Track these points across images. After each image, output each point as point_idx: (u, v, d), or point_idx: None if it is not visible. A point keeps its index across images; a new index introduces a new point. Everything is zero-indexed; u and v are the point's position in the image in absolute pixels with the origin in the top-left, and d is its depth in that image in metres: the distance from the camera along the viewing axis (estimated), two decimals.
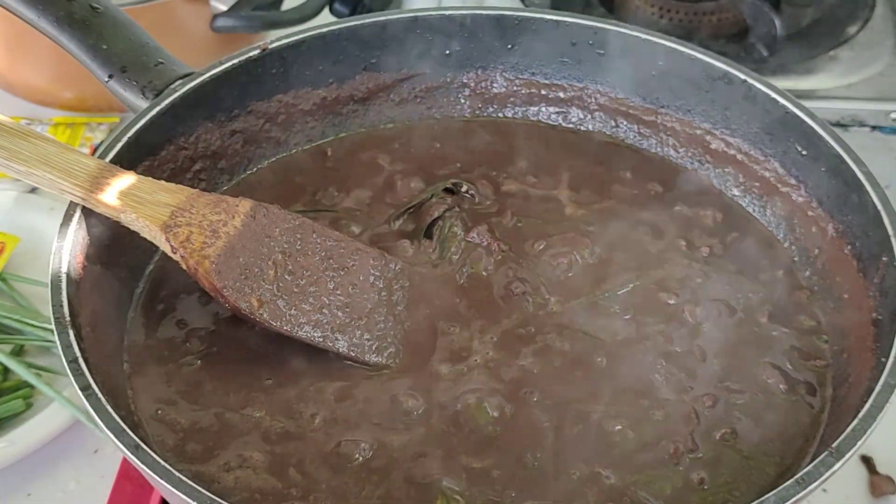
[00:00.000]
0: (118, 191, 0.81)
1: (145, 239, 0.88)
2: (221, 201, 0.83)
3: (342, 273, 0.85)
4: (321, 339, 0.83)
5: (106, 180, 0.81)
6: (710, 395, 0.81)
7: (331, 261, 0.85)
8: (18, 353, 1.04)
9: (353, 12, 1.27)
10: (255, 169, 1.01)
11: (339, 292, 0.85)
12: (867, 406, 0.71)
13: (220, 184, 0.99)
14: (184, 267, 0.80)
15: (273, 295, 0.81)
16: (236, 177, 1.00)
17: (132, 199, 0.81)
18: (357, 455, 0.77)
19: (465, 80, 1.06)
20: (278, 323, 0.81)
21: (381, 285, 0.87)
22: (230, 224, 0.82)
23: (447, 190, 0.97)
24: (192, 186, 0.96)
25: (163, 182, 0.83)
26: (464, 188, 0.97)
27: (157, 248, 0.92)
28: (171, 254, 0.80)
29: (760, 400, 0.81)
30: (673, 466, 0.77)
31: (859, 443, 0.69)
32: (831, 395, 0.82)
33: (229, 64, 0.96)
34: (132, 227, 0.81)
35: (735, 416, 0.80)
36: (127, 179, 0.82)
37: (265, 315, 0.81)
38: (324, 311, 0.83)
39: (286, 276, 0.83)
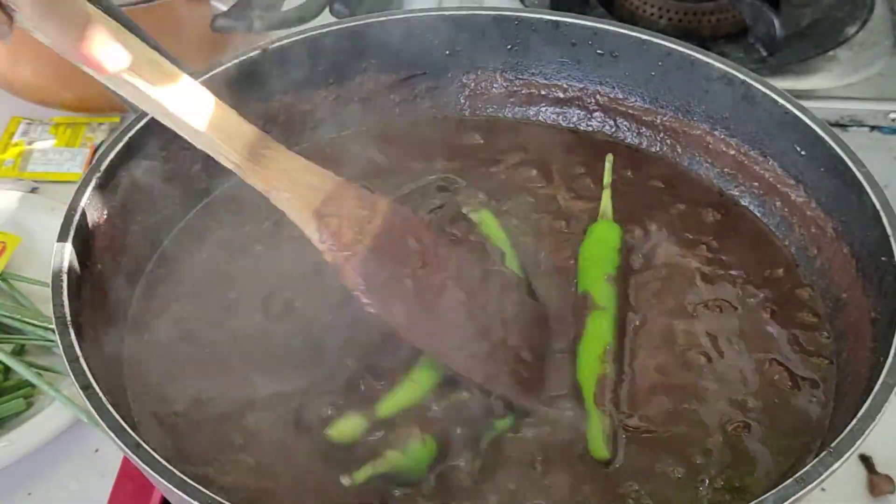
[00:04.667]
0: (273, 164, 0.76)
1: (146, 239, 0.89)
2: (365, 196, 0.79)
3: (473, 295, 0.81)
4: (457, 364, 0.77)
5: (261, 151, 0.75)
6: (711, 393, 0.81)
7: (462, 282, 0.81)
8: (19, 352, 1.04)
9: (354, 13, 1.27)
10: None
11: (472, 315, 0.80)
12: (866, 405, 0.71)
13: (219, 183, 0.99)
14: (327, 258, 0.76)
15: (412, 309, 0.77)
16: (235, 175, 1.00)
17: (286, 177, 0.76)
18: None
19: (464, 81, 1.06)
20: (414, 339, 0.77)
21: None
22: (374, 222, 0.78)
23: (440, 188, 0.97)
24: (193, 186, 0.97)
25: (311, 163, 0.78)
26: (457, 185, 0.97)
27: (156, 247, 0.92)
28: (317, 242, 0.76)
29: (762, 398, 0.82)
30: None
31: (858, 442, 0.69)
32: (833, 394, 0.82)
33: (230, 64, 0.96)
34: (280, 206, 0.76)
35: (737, 415, 0.81)
36: (281, 153, 0.77)
37: (406, 327, 0.77)
38: (460, 334, 0.78)
39: (425, 292, 0.78)
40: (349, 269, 0.75)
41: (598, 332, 0.83)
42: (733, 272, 0.91)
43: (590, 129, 1.05)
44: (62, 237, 0.81)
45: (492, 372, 0.79)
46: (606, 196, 0.95)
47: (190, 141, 0.75)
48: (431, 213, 0.93)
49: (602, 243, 0.90)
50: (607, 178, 0.96)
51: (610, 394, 0.80)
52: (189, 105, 0.73)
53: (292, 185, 0.76)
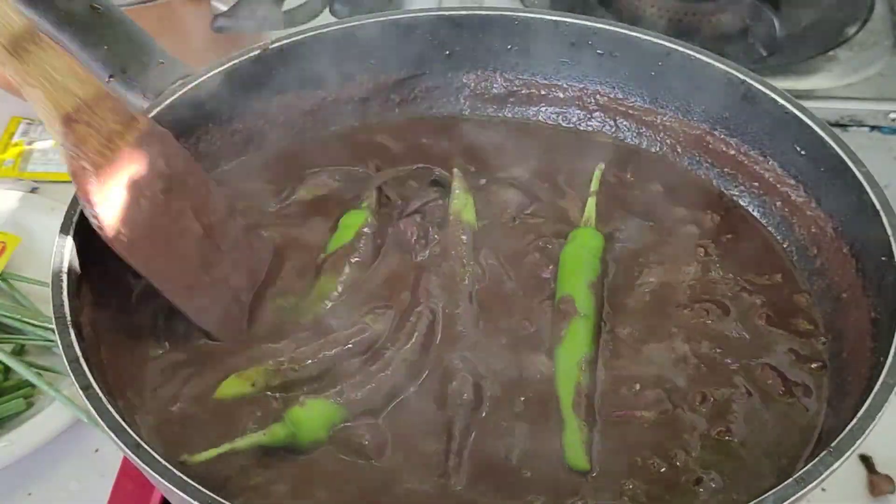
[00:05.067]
0: (34, 60, 0.75)
1: None
2: (124, 110, 0.79)
3: (210, 231, 0.83)
4: (169, 293, 0.81)
5: (27, 45, 0.74)
6: (706, 394, 0.81)
7: (204, 216, 0.83)
8: (19, 352, 1.04)
9: (354, 13, 1.27)
10: (252, 166, 1.01)
11: (202, 249, 0.82)
12: (866, 405, 0.71)
13: (218, 182, 0.98)
14: (65, 162, 0.76)
15: (140, 229, 0.79)
16: (233, 173, 1.00)
17: (44, 76, 0.75)
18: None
19: (464, 81, 1.06)
20: (133, 260, 0.79)
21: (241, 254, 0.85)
22: (126, 137, 0.78)
23: (434, 182, 0.98)
24: None
25: (75, 64, 0.78)
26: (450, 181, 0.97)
27: None
28: (59, 144, 0.76)
29: (756, 401, 0.82)
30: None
31: (858, 442, 0.69)
32: (828, 396, 0.82)
33: (229, 64, 0.96)
34: (31, 103, 0.76)
35: (730, 417, 0.80)
36: (48, 51, 0.76)
37: (126, 247, 0.78)
38: (183, 264, 0.81)
39: (160, 216, 0.80)
40: (85, 181, 0.76)
41: (578, 340, 0.83)
42: (730, 276, 0.91)
43: (590, 129, 1.05)
44: (62, 236, 0.81)
45: (202, 305, 0.82)
46: (591, 203, 0.95)
47: None
48: (424, 207, 0.95)
49: (585, 249, 0.90)
50: (594, 185, 0.96)
51: (585, 400, 0.80)
52: None
53: (48, 84, 0.75)
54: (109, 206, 0.77)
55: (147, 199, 0.79)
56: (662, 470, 0.77)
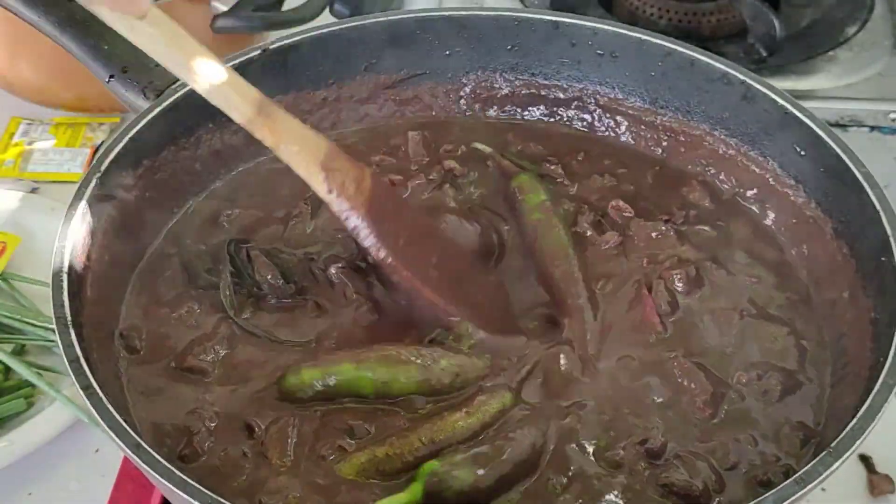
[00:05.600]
0: (279, 122, 0.82)
1: (145, 239, 0.89)
2: (352, 158, 0.86)
3: (446, 251, 0.90)
4: (447, 303, 0.85)
5: (267, 110, 0.81)
6: (708, 393, 0.81)
7: (436, 239, 0.90)
8: (20, 352, 1.04)
9: (354, 13, 1.27)
10: (253, 166, 1.01)
11: (448, 267, 0.88)
12: (866, 405, 0.71)
13: (217, 182, 0.99)
14: (334, 208, 0.83)
15: (409, 252, 0.85)
16: (235, 173, 1.00)
17: (292, 133, 0.83)
18: None
19: (464, 81, 1.06)
20: (417, 276, 0.85)
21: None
22: (365, 182, 0.85)
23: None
24: (193, 183, 0.97)
25: (308, 126, 0.84)
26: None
27: (150, 246, 0.92)
28: (323, 193, 0.83)
29: (759, 397, 0.82)
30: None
31: (858, 442, 0.69)
32: (829, 395, 0.82)
33: (230, 64, 0.96)
34: (287, 159, 0.83)
35: (732, 414, 0.80)
36: (283, 114, 0.83)
37: (409, 267, 0.85)
38: (446, 281, 0.87)
39: (413, 241, 0.87)
40: (355, 215, 0.83)
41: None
42: (730, 274, 0.91)
43: (589, 129, 1.05)
44: (62, 237, 0.81)
45: (470, 306, 0.87)
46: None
47: (205, 96, 0.81)
48: None
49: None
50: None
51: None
52: (204, 60, 0.80)
53: (300, 140, 0.83)
54: (381, 236, 0.84)
55: (403, 228, 0.87)
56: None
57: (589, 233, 0.93)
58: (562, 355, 0.83)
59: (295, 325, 0.87)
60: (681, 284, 0.88)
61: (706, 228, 0.94)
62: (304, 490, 0.74)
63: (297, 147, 0.82)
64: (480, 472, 0.74)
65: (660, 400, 0.81)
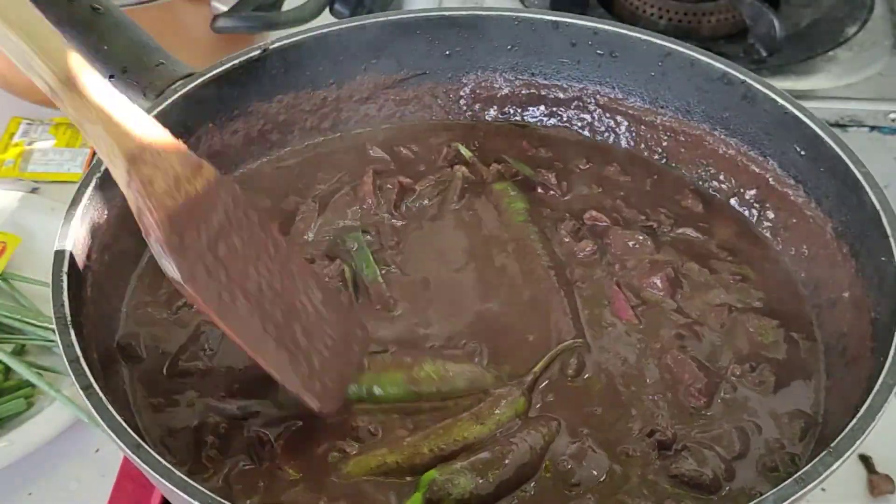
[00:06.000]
0: (91, 95, 0.72)
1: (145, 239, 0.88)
2: (189, 156, 0.76)
3: (285, 285, 0.78)
4: (250, 345, 0.75)
5: (79, 77, 0.71)
6: (702, 382, 0.82)
7: (284, 269, 0.78)
8: (20, 352, 1.04)
9: (354, 13, 1.27)
10: (255, 166, 1.01)
11: (279, 304, 0.77)
12: (866, 405, 0.71)
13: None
14: (133, 206, 0.73)
15: (215, 275, 0.74)
16: (236, 172, 1.00)
17: (102, 113, 0.72)
18: None
19: (464, 81, 1.06)
20: (212, 305, 0.73)
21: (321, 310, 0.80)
22: (193, 183, 0.75)
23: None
24: None
25: (135, 107, 0.75)
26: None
27: None
28: (124, 186, 0.73)
29: (753, 388, 0.82)
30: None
31: (858, 442, 0.69)
32: (824, 395, 0.82)
33: (230, 64, 0.96)
34: (92, 142, 0.73)
35: (729, 404, 0.81)
36: (101, 85, 0.73)
37: (203, 292, 0.73)
38: (264, 320, 0.75)
39: (234, 264, 0.75)
40: (153, 220, 0.72)
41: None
42: (729, 274, 0.91)
43: (589, 129, 1.05)
44: (63, 237, 0.81)
45: (292, 367, 0.77)
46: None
47: (6, 52, 0.71)
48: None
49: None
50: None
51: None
52: (10, 6, 0.70)
53: (109, 122, 0.72)
54: (181, 251, 0.73)
55: (221, 247, 0.75)
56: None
57: (567, 240, 0.93)
58: (572, 359, 0.83)
59: None
60: (659, 283, 0.89)
61: (690, 232, 0.95)
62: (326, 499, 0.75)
63: (102, 128, 0.71)
64: (480, 479, 0.74)
65: (657, 391, 0.82)
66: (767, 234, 0.95)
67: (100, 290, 0.84)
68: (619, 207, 0.97)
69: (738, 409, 0.81)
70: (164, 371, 0.83)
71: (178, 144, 0.76)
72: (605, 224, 0.95)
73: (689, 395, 0.81)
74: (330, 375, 0.79)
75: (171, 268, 0.72)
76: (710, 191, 0.99)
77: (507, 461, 0.75)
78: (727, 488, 0.76)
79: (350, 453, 0.77)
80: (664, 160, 1.02)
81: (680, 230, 0.95)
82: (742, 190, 0.98)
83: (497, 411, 0.79)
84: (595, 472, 0.76)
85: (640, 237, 0.92)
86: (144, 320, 0.87)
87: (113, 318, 0.86)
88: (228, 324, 0.74)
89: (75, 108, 0.72)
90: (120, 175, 0.73)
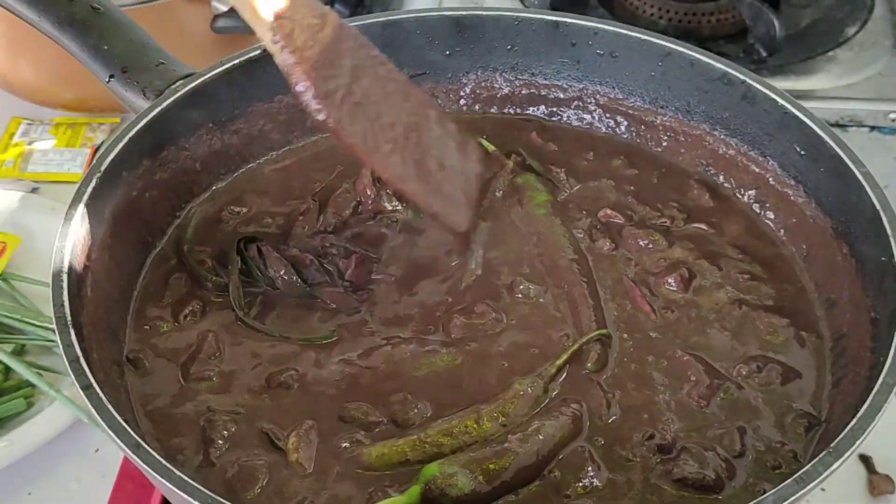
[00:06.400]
0: None
1: (145, 238, 0.89)
2: (317, 6, 0.80)
3: (410, 118, 0.84)
4: (396, 178, 0.82)
5: None
6: (705, 384, 0.82)
7: (408, 102, 0.84)
8: (20, 352, 1.04)
9: (354, 13, 1.27)
10: (255, 166, 1.01)
11: (412, 137, 0.83)
12: (866, 405, 0.71)
13: (218, 181, 0.99)
14: (278, 60, 0.77)
15: (359, 117, 0.79)
16: (236, 172, 1.00)
17: None
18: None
19: (464, 81, 1.06)
20: (360, 147, 0.80)
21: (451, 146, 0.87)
22: (324, 31, 0.79)
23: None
24: (194, 184, 0.97)
25: None
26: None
27: (153, 248, 0.92)
28: (269, 42, 0.77)
29: (759, 387, 0.82)
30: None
31: (858, 442, 0.69)
32: (829, 394, 0.82)
33: (230, 64, 0.96)
34: (234, 3, 0.78)
35: (732, 403, 0.81)
36: None
37: (352, 136, 0.79)
38: (401, 152, 0.82)
39: (370, 104, 0.81)
40: (299, 71, 0.76)
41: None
42: (731, 272, 0.91)
43: (589, 129, 1.05)
44: (62, 237, 0.81)
45: (435, 194, 0.84)
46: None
47: None
48: None
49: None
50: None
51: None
52: None
53: None
54: (329, 98, 0.77)
55: (356, 90, 0.79)
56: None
57: (581, 236, 0.93)
58: (592, 352, 0.83)
59: (304, 322, 0.86)
60: (674, 283, 0.88)
61: (702, 227, 0.95)
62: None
63: None
64: (480, 478, 0.74)
65: (662, 391, 0.81)
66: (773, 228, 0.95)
67: (100, 290, 0.83)
68: (631, 204, 0.97)
69: (740, 409, 0.81)
70: (179, 379, 0.83)
71: None
72: (619, 222, 0.94)
73: (695, 397, 0.81)
74: (459, 198, 0.86)
75: (322, 113, 0.77)
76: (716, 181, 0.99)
77: (509, 463, 0.75)
78: (732, 486, 0.76)
79: (364, 443, 0.77)
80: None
81: (694, 225, 0.95)
82: (742, 190, 0.98)
83: (519, 404, 0.79)
84: (597, 482, 0.76)
85: (655, 237, 0.92)
86: (150, 332, 0.87)
87: (118, 330, 0.86)
88: (377, 162, 0.81)
89: None
90: (265, 33, 0.76)
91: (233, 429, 0.78)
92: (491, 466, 0.74)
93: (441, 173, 0.86)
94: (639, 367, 0.83)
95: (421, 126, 0.85)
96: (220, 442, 0.77)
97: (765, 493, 0.67)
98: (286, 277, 0.89)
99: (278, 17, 0.76)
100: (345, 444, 0.77)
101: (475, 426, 0.77)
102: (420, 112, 0.86)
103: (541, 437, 0.77)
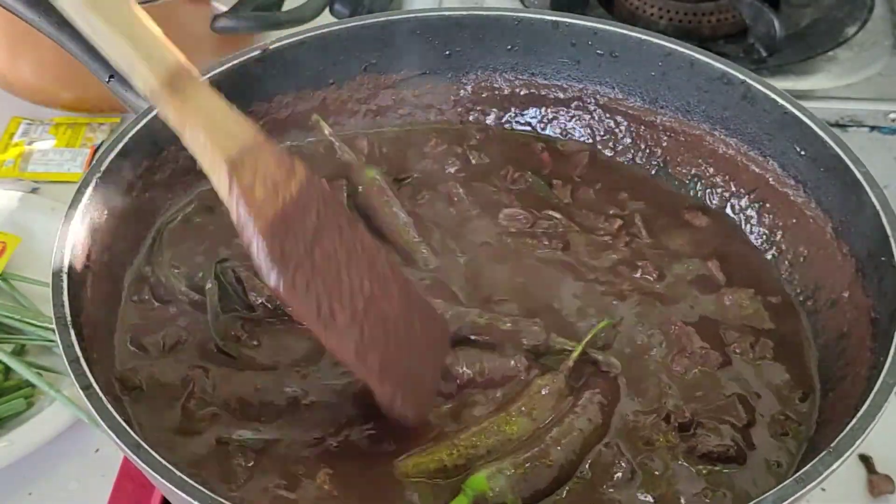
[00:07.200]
0: (192, 101, 0.71)
1: (146, 238, 0.89)
2: (283, 157, 0.73)
3: (374, 288, 0.75)
4: (348, 356, 0.73)
5: (183, 84, 0.70)
6: (705, 352, 0.83)
7: (373, 271, 0.76)
8: (20, 352, 1.04)
9: (354, 13, 1.27)
10: None
11: (372, 310, 0.74)
12: (866, 405, 0.71)
13: None
14: (233, 214, 0.70)
15: (312, 282, 0.71)
16: None
17: (204, 117, 0.71)
18: None
19: (464, 81, 1.06)
20: (311, 317, 0.71)
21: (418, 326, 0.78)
22: (288, 187, 0.72)
23: None
24: (194, 183, 0.97)
25: (234, 110, 0.73)
26: None
27: (156, 246, 0.92)
28: (224, 193, 0.70)
29: (752, 361, 0.84)
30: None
31: (858, 442, 0.69)
32: (829, 394, 0.82)
33: (230, 64, 0.96)
34: (191, 148, 0.71)
35: (729, 375, 0.83)
36: (203, 92, 0.72)
37: (303, 302, 0.71)
38: (360, 326, 0.73)
39: (329, 270, 0.73)
40: (254, 228, 0.69)
41: None
42: (731, 271, 0.91)
43: (589, 129, 1.05)
44: (62, 237, 0.81)
45: (393, 375, 0.75)
46: None
47: (103, 50, 0.71)
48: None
49: None
50: None
51: None
52: (111, 7, 0.69)
53: (209, 127, 0.70)
54: (283, 261, 0.70)
55: (317, 253, 0.72)
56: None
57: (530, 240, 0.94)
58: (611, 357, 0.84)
59: (287, 346, 0.85)
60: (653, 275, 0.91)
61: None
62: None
63: (204, 135, 0.70)
64: (525, 494, 0.74)
65: (661, 363, 0.83)
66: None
67: (100, 290, 0.83)
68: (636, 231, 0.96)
69: (738, 381, 0.82)
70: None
71: (273, 144, 0.74)
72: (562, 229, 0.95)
73: (695, 367, 0.82)
74: (417, 383, 0.77)
75: (272, 278, 0.70)
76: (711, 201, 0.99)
77: (547, 467, 0.75)
78: (753, 456, 0.78)
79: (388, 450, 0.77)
80: (663, 162, 1.02)
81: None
82: (742, 191, 0.98)
83: (544, 403, 0.79)
84: (629, 472, 0.76)
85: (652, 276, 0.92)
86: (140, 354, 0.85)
87: (113, 319, 0.86)
88: (329, 337, 0.72)
89: (177, 113, 0.70)
90: (222, 184, 0.70)
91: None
92: (533, 470, 0.74)
93: (402, 352, 0.76)
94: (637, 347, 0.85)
95: (388, 297, 0.76)
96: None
97: (780, 465, 0.71)
98: (267, 304, 0.87)
99: (237, 166, 0.70)
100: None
101: (505, 426, 0.77)
102: (387, 281, 0.77)
103: (574, 435, 0.77)
